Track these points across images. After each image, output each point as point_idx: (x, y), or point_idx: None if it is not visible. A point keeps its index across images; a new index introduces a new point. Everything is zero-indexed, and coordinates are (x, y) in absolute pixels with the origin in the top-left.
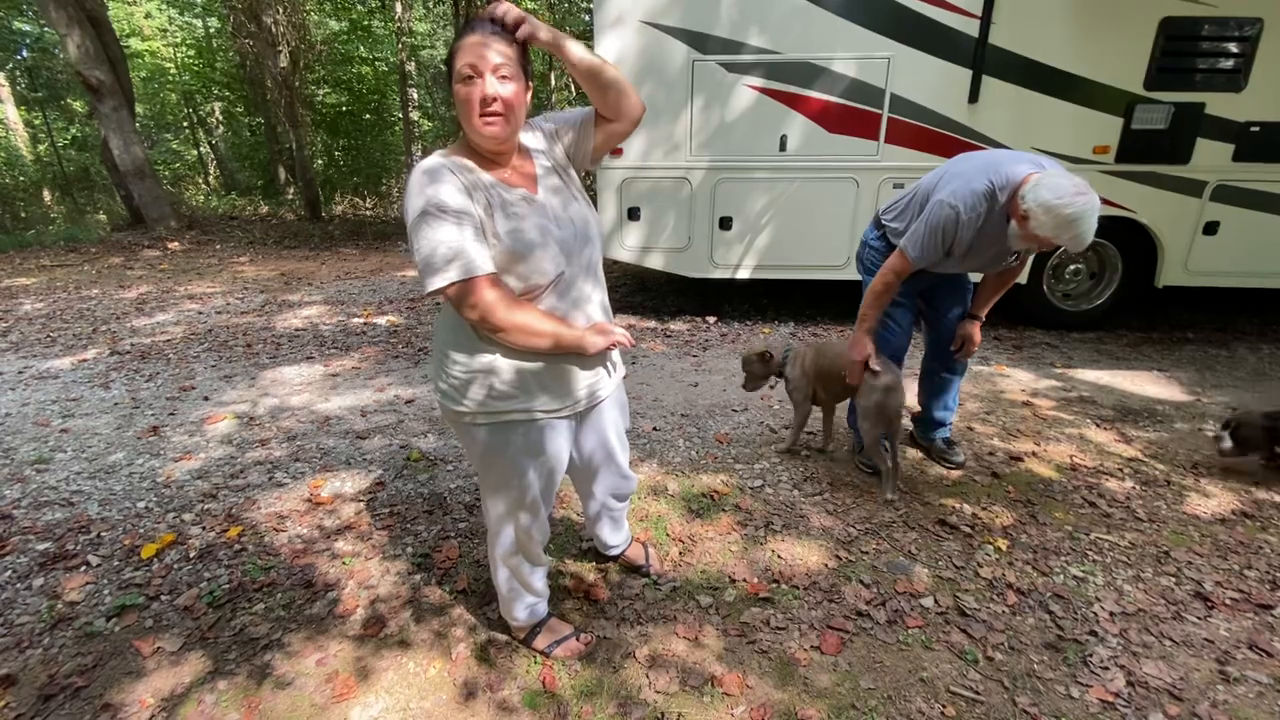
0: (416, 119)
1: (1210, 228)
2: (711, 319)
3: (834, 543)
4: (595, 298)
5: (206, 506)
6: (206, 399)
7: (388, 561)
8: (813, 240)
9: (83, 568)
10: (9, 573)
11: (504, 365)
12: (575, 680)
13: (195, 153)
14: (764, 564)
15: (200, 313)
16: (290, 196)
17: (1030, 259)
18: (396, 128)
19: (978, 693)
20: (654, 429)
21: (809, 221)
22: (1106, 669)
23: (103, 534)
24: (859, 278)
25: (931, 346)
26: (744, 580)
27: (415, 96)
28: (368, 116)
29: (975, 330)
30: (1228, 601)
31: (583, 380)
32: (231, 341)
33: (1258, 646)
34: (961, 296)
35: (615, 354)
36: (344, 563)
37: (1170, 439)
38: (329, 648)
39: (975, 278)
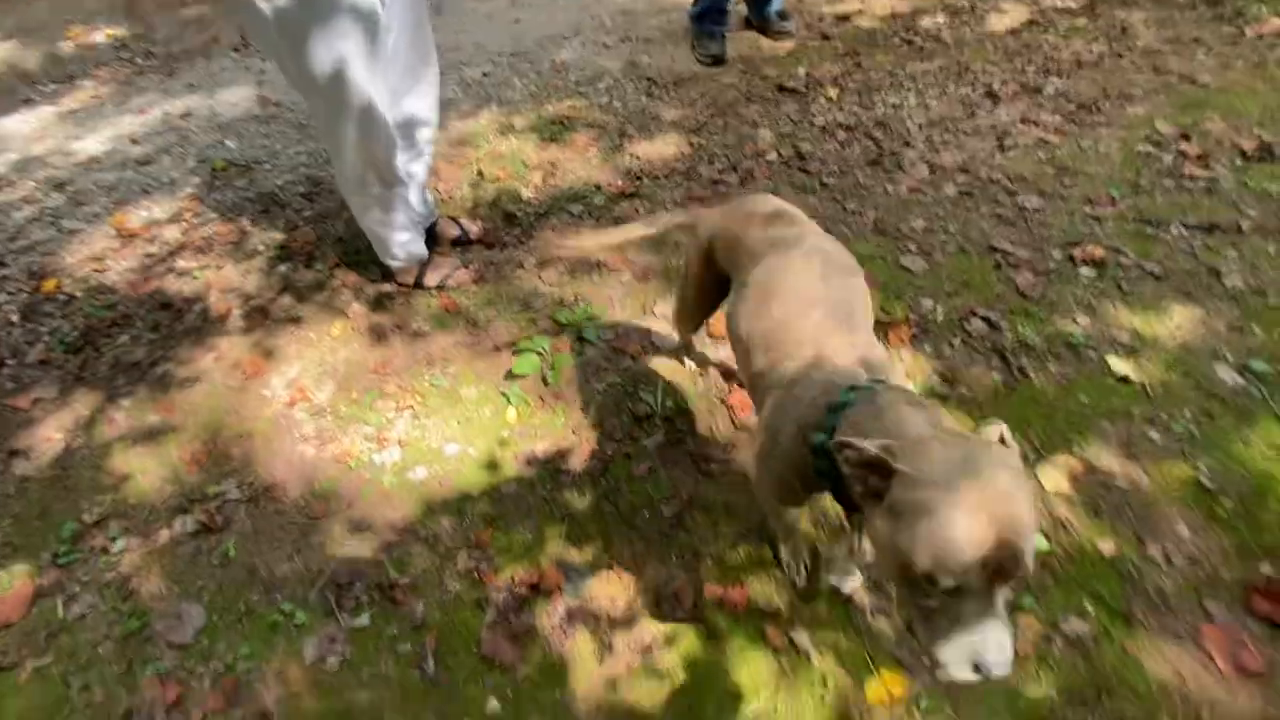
0: None
1: None
2: None
3: (685, 132)
4: None
5: None
6: None
7: (244, 263)
8: None
9: None
10: None
11: None
12: (474, 299)
13: None
14: (625, 166)
15: None
16: None
17: None
18: None
19: (817, 211)
20: (484, 74)
21: None
22: (915, 165)
23: None
24: None
25: None
26: (609, 184)
27: None
28: None
29: None
30: (1009, 94)
31: None
32: None
33: (1028, 119)
34: None
35: None
36: (194, 277)
37: None
38: (219, 347)
39: None
